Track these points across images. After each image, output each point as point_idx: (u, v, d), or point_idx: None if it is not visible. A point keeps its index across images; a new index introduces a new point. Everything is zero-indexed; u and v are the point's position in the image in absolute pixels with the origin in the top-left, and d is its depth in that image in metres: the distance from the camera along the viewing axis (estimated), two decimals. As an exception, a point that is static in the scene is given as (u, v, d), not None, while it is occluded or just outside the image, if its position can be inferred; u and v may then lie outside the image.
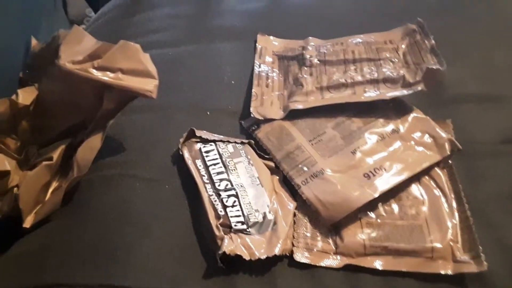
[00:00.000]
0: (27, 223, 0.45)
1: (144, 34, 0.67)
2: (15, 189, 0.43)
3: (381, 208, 0.49)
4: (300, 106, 0.55)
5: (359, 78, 0.56)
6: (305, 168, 0.50)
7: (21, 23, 0.59)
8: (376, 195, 0.48)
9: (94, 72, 0.43)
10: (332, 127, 0.53)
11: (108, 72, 0.44)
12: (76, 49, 0.45)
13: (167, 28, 0.68)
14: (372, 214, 0.48)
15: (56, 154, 0.46)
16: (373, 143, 0.52)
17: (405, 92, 0.54)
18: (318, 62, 0.60)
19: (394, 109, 0.55)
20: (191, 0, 0.73)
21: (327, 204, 0.47)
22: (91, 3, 0.84)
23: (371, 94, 0.55)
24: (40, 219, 0.45)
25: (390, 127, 0.53)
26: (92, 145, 0.45)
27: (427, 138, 0.52)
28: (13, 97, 0.47)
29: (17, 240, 0.46)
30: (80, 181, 0.48)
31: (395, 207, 0.49)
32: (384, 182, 0.49)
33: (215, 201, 0.47)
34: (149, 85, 0.46)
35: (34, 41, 0.60)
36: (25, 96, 0.48)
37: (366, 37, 0.63)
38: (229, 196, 0.48)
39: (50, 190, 0.48)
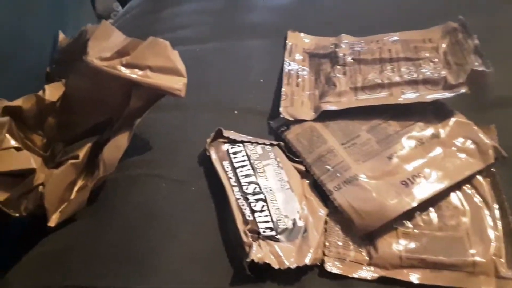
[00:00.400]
0: (52, 222, 0.44)
1: (171, 30, 0.66)
2: (41, 187, 0.42)
3: (418, 218, 0.46)
4: (332, 107, 0.53)
5: (396, 78, 0.53)
6: (338, 173, 0.48)
7: (49, 17, 0.59)
8: (414, 204, 0.45)
9: (122, 69, 0.42)
10: (366, 130, 0.51)
11: (136, 70, 0.42)
12: (104, 45, 0.43)
13: (194, 24, 0.67)
14: (409, 224, 0.45)
15: (82, 153, 0.45)
16: (411, 148, 0.49)
17: (447, 94, 0.50)
18: (352, 60, 0.57)
19: (433, 112, 0.51)
20: (219, -5, 0.72)
21: (361, 212, 0.44)
22: (119, -3, 0.83)
23: (409, 96, 0.52)
24: (65, 218, 0.44)
25: (429, 131, 0.50)
26: (118, 144, 0.44)
27: (469, 144, 0.49)
28: (40, 93, 0.46)
29: (42, 239, 0.45)
30: (106, 180, 0.47)
31: (433, 217, 0.46)
32: (423, 190, 0.46)
33: (243, 205, 0.45)
34: (178, 84, 0.44)
35: (61, 36, 0.59)
36: (52, 92, 0.47)
37: (403, 35, 0.60)
38: (257, 200, 0.46)
39: (76, 189, 0.47)
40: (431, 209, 0.46)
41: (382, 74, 0.54)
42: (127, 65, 0.42)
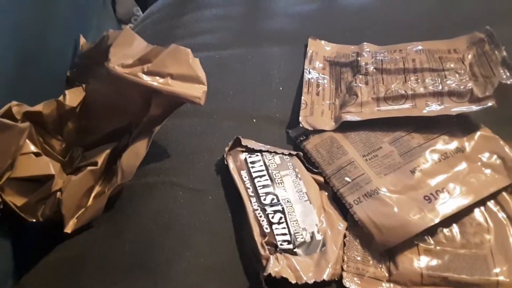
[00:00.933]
0: (68, 228, 0.44)
1: (191, 36, 0.66)
2: (58, 193, 0.42)
3: (441, 234, 0.44)
4: (354, 118, 0.51)
5: (421, 89, 0.52)
6: (358, 186, 0.46)
7: (71, 21, 0.59)
8: (438, 221, 0.43)
9: (144, 76, 0.42)
10: (389, 142, 0.49)
11: (157, 77, 0.42)
12: (126, 52, 0.43)
13: (214, 30, 0.66)
14: (430, 240, 0.44)
15: (101, 159, 0.45)
16: (435, 162, 0.47)
17: (473, 108, 0.49)
18: (375, 70, 0.56)
19: (458, 125, 0.50)
20: (240, 1, 0.71)
21: (382, 227, 0.43)
22: (139, 1, 0.83)
23: (434, 108, 0.50)
24: (81, 225, 0.44)
25: (454, 145, 0.48)
26: (137, 151, 0.44)
27: (495, 159, 0.47)
28: (60, 98, 0.46)
29: (58, 245, 0.45)
30: (123, 186, 0.47)
31: (456, 233, 0.44)
32: (447, 206, 0.44)
33: (260, 216, 0.44)
34: (198, 92, 0.44)
35: (82, 40, 0.59)
36: (72, 97, 0.47)
37: (427, 44, 0.59)
38: (275, 212, 0.45)
39: (93, 195, 0.47)
40: (454, 225, 0.45)
41: (405, 85, 0.53)
42: (148, 73, 0.42)
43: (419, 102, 0.51)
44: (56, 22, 0.54)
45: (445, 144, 0.48)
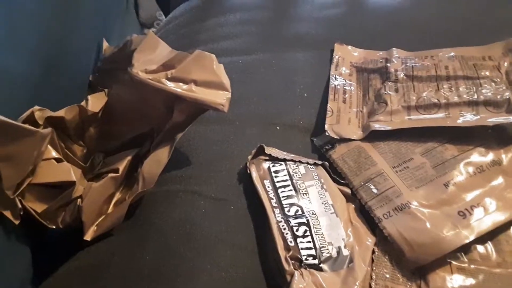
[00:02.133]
0: (88, 235, 0.43)
1: (215, 40, 0.64)
2: (79, 200, 0.42)
3: (475, 252, 0.42)
4: (383, 127, 0.49)
5: (455, 98, 0.49)
6: (388, 199, 0.44)
7: (94, 25, 0.59)
8: (473, 238, 0.41)
9: (167, 83, 0.40)
10: (420, 153, 0.47)
11: (181, 84, 0.41)
12: (150, 58, 0.42)
13: (238, 35, 0.65)
14: (464, 258, 0.41)
15: (122, 166, 0.44)
16: (470, 176, 0.45)
17: (510, 118, 0.46)
18: (405, 77, 0.54)
19: (494, 136, 0.47)
20: (264, 5, 0.70)
21: (414, 244, 0.41)
22: (162, 6, 0.83)
23: (469, 118, 0.47)
24: (101, 233, 0.43)
25: (490, 157, 0.45)
26: (159, 158, 0.43)
27: (535, 174, 0.44)
28: (83, 103, 0.46)
29: (77, 252, 0.44)
30: (144, 194, 0.46)
31: (491, 251, 0.42)
32: (482, 223, 0.42)
33: (284, 229, 0.42)
34: (222, 99, 0.42)
35: (105, 44, 0.59)
36: (95, 102, 0.46)
37: (460, 51, 0.56)
38: (299, 224, 0.43)
39: (113, 202, 0.46)
40: (489, 242, 0.42)
41: (438, 93, 0.50)
42: (172, 79, 0.41)
43: (453, 112, 0.49)
44: (80, 26, 0.53)
45: (481, 157, 0.46)
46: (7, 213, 0.39)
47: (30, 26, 0.44)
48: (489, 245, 0.42)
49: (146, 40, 0.44)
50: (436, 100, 0.50)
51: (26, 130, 0.35)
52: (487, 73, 0.51)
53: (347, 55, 0.61)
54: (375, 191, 0.45)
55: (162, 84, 0.40)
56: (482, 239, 0.42)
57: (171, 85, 0.41)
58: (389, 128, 0.49)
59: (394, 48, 0.59)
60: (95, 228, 0.43)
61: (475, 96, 0.49)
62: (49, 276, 0.44)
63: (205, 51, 0.42)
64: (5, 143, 0.35)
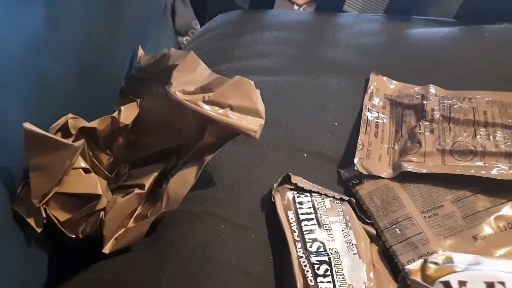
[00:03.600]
0: (107, 249, 0.43)
1: (249, 58, 0.64)
2: (102, 213, 0.41)
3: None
4: (416, 169, 0.48)
5: (492, 147, 0.48)
6: (414, 246, 0.43)
7: (133, 31, 0.59)
8: (499, 298, 0.39)
9: (204, 106, 0.40)
10: (451, 200, 0.45)
11: (217, 108, 0.40)
12: (189, 78, 0.42)
13: (273, 54, 0.64)
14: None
15: (148, 182, 0.44)
16: (501, 231, 0.43)
17: (550, 175, 0.44)
18: (441, 118, 0.52)
19: (530, 192, 0.45)
20: (302, 26, 0.69)
21: (437, 297, 0.40)
22: (199, 14, 0.83)
23: (504, 170, 0.46)
24: (120, 247, 0.43)
25: (523, 214, 0.44)
26: (186, 178, 0.42)
27: None
28: (115, 114, 0.46)
29: (94, 264, 0.44)
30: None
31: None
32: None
33: (305, 265, 0.41)
34: (255, 125, 0.42)
35: (141, 52, 0.59)
36: (128, 114, 0.46)
37: (500, 96, 0.54)
38: (321, 262, 0.42)
39: (134, 215, 0.45)
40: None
41: (475, 140, 0.49)
42: (208, 102, 0.40)
43: (488, 161, 0.47)
44: (121, 32, 0.53)
45: (514, 212, 0.44)
46: (31, 220, 0.38)
47: (73, 29, 0.44)
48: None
49: (186, 59, 0.43)
50: (473, 147, 0.48)
51: (60, 143, 0.35)
52: (528, 124, 0.50)
53: (382, 87, 0.60)
54: (401, 235, 0.44)
55: (198, 107, 0.40)
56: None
57: (207, 108, 0.40)
58: (423, 171, 0.47)
59: (431, 85, 0.58)
60: (114, 241, 0.43)
61: (514, 148, 0.47)
62: (63, 284, 0.44)
63: (244, 77, 0.41)
64: (39, 154, 0.35)
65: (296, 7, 1.37)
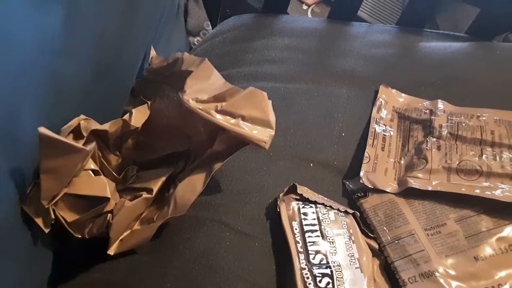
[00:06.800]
0: (112, 250, 0.43)
1: (259, 63, 0.64)
2: (109, 215, 0.42)
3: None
4: (421, 187, 0.48)
5: (498, 168, 0.48)
6: (416, 263, 0.43)
7: (146, 32, 0.59)
8: (498, 320, 0.40)
9: (216, 115, 0.40)
10: (455, 219, 0.46)
11: (229, 117, 0.40)
12: (202, 86, 0.42)
13: (284, 60, 0.64)
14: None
15: (156, 187, 0.44)
16: (502, 252, 0.43)
17: (555, 200, 0.45)
18: (449, 135, 0.52)
19: (534, 214, 0.46)
20: (314, 34, 0.69)
21: (437, 316, 0.40)
22: (212, 16, 0.83)
23: (509, 192, 0.46)
24: (125, 250, 0.43)
25: (526, 236, 0.44)
26: (194, 185, 0.42)
27: None
28: (126, 117, 0.46)
29: (98, 264, 0.45)
30: (172, 217, 0.46)
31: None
32: None
33: (308, 277, 0.42)
34: (265, 136, 0.42)
35: (153, 52, 0.59)
36: (138, 117, 0.46)
37: (507, 115, 0.54)
38: (323, 275, 0.42)
39: (140, 218, 0.46)
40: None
41: (481, 160, 0.49)
42: (221, 112, 0.40)
43: (493, 182, 0.47)
44: (134, 32, 0.53)
45: (516, 234, 0.44)
46: (39, 221, 0.39)
47: (87, 30, 0.44)
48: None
49: (201, 67, 0.44)
50: (479, 167, 0.48)
51: (73, 147, 0.35)
52: (535, 146, 0.50)
53: (391, 99, 0.60)
54: (403, 251, 0.45)
55: (211, 116, 0.40)
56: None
57: (219, 118, 0.40)
58: (428, 188, 0.48)
59: (439, 100, 0.58)
60: (120, 243, 0.44)
61: (520, 170, 0.48)
62: (67, 282, 0.45)
63: (257, 89, 0.42)
64: (52, 157, 0.35)
65: (304, 7, 1.37)
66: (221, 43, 0.68)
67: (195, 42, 0.83)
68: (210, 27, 0.83)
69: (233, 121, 0.40)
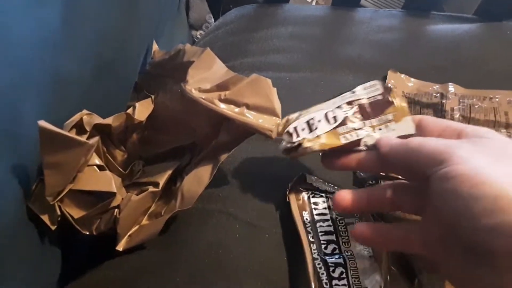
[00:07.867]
0: (120, 246, 0.43)
1: (263, 53, 0.63)
2: (116, 210, 0.41)
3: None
4: (433, 171, 0.47)
5: (513, 150, 0.46)
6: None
7: (147, 27, 0.58)
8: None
9: (220, 104, 0.39)
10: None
11: (233, 106, 0.39)
12: (205, 76, 0.41)
13: (288, 50, 0.63)
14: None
15: (162, 181, 0.44)
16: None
17: None
18: (461, 118, 0.51)
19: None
20: (319, 21, 0.67)
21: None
22: (213, 9, 0.82)
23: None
24: (134, 245, 0.43)
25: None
26: (200, 177, 0.42)
27: None
28: (130, 111, 0.45)
29: (107, 261, 0.44)
30: (180, 211, 0.45)
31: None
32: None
33: (320, 268, 0.41)
34: (271, 124, 0.41)
35: (155, 47, 0.58)
36: (142, 111, 0.46)
37: (521, 95, 0.53)
38: (336, 265, 0.41)
39: (148, 212, 0.45)
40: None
41: (496, 142, 0.47)
42: (224, 101, 0.39)
43: (510, 164, 0.46)
44: (136, 28, 0.53)
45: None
46: (45, 218, 0.38)
47: (89, 26, 0.44)
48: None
49: (202, 56, 0.43)
50: (494, 149, 0.47)
51: (75, 141, 0.35)
52: (551, 126, 0.48)
53: (400, 84, 0.59)
54: (418, 238, 0.43)
55: (215, 105, 0.39)
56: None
57: (223, 107, 0.39)
58: (440, 173, 0.46)
59: (450, 83, 0.56)
60: (128, 239, 0.43)
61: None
62: (76, 280, 0.44)
63: (260, 76, 0.41)
64: (53, 152, 0.34)
65: (309, -1, 1.35)
66: (224, 34, 0.67)
67: (198, 36, 0.82)
68: (213, 20, 0.82)
69: (237, 110, 0.40)
